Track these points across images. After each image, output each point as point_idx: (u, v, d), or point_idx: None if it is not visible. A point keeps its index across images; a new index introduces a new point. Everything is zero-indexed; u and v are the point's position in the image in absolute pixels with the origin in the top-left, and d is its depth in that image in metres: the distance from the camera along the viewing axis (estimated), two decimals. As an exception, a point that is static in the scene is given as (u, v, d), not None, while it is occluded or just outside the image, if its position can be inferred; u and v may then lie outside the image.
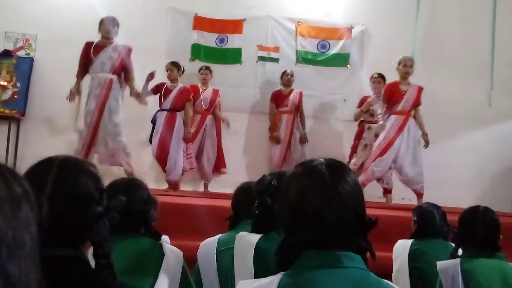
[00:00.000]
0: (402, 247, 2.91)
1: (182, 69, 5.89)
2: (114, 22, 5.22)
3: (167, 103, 5.70)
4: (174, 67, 5.76)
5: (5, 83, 6.27)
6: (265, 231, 1.90)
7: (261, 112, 6.80)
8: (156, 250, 1.93)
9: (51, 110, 6.34)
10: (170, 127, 5.63)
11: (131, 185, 2.05)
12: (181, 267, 1.97)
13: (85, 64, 5.15)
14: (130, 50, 5.27)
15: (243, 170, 6.22)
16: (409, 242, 2.91)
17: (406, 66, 5.55)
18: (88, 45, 5.15)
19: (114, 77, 5.14)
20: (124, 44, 5.25)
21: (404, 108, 5.54)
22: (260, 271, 1.76)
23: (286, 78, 6.37)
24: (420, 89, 5.60)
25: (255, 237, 1.88)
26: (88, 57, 5.11)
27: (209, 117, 6.13)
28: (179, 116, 5.73)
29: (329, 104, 6.79)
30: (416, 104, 5.57)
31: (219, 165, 6.22)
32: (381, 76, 6.05)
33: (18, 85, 6.32)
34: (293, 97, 6.30)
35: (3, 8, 6.46)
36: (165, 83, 5.80)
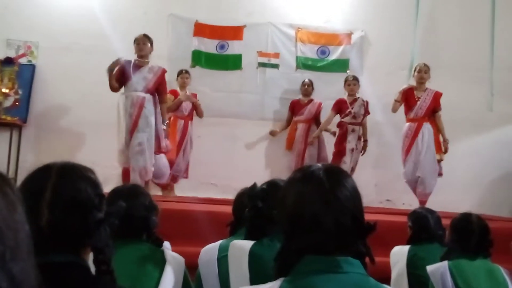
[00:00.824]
0: (400, 253, 2.93)
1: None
2: (146, 39, 5.21)
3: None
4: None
5: (7, 90, 6.26)
6: (258, 237, 1.92)
7: (261, 118, 6.83)
8: (158, 257, 1.93)
9: (53, 117, 6.37)
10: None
11: (133, 192, 2.06)
12: (182, 274, 1.98)
13: (120, 81, 5.14)
14: (165, 72, 5.32)
15: (243, 176, 6.21)
16: (406, 248, 2.93)
17: (420, 72, 5.58)
18: (126, 63, 5.13)
19: (147, 95, 5.15)
20: (159, 65, 5.29)
21: (417, 114, 5.55)
22: (255, 277, 1.79)
23: (304, 88, 6.43)
24: (437, 94, 5.60)
25: (249, 244, 1.90)
26: (125, 76, 5.11)
27: (190, 122, 6.17)
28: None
29: (329, 109, 6.78)
30: (432, 109, 5.58)
31: (185, 171, 6.25)
32: (356, 78, 6.09)
33: (20, 92, 6.30)
34: (311, 106, 6.35)
35: (5, 15, 6.49)
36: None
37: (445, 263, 2.44)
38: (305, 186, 1.20)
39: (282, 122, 6.56)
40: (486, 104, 6.86)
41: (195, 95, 6.27)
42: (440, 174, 5.69)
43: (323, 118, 6.35)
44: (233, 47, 6.93)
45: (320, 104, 6.39)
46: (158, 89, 5.24)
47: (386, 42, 6.90)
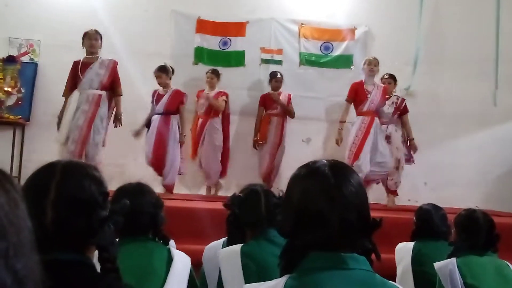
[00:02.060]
0: (404, 250, 2.94)
1: (172, 70, 5.82)
2: (97, 35, 5.18)
3: (160, 108, 5.68)
4: (162, 72, 5.70)
5: (10, 89, 6.29)
6: (238, 242, 2.04)
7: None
8: (164, 255, 1.94)
9: (55, 115, 6.36)
10: (165, 130, 5.60)
11: (139, 189, 2.07)
12: (188, 273, 1.98)
13: (74, 83, 5.16)
14: (116, 64, 5.26)
15: (247, 173, 6.20)
16: (410, 244, 2.94)
17: (370, 65, 5.64)
18: (76, 64, 5.17)
19: (103, 93, 5.15)
20: (109, 58, 5.25)
21: (369, 108, 5.58)
22: (248, 276, 1.85)
23: (275, 84, 6.30)
24: (384, 89, 5.68)
25: (237, 246, 2.00)
26: (77, 76, 5.12)
27: (210, 121, 6.08)
28: (174, 119, 5.70)
29: (333, 105, 6.77)
30: (381, 105, 5.64)
31: (224, 169, 6.24)
32: (391, 76, 6.03)
33: (23, 90, 6.33)
34: (282, 99, 6.25)
35: (6, 14, 6.49)
36: (157, 90, 5.80)
37: (454, 260, 2.43)
38: (310, 182, 1.19)
39: (252, 121, 6.40)
40: (491, 99, 6.83)
41: (226, 94, 6.17)
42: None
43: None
44: (236, 44, 6.91)
45: (290, 96, 6.30)
46: (112, 82, 5.19)
47: (390, 37, 6.87)
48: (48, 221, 1.13)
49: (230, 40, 6.91)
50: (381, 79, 6.04)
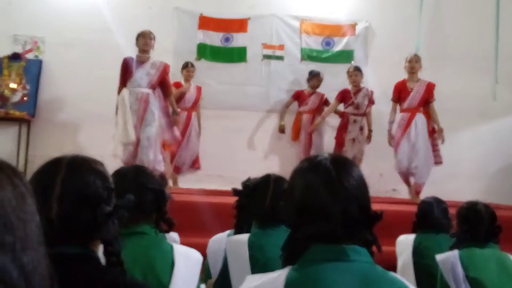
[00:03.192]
0: (405, 242, 2.95)
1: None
2: (152, 35, 5.23)
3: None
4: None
5: (15, 86, 6.31)
6: (244, 231, 2.00)
7: (267, 110, 6.85)
8: (168, 250, 1.73)
9: (60, 111, 6.42)
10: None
11: (139, 168, 1.92)
12: (199, 270, 1.75)
13: (125, 79, 5.18)
14: (168, 67, 5.34)
15: (249, 168, 6.24)
16: (411, 237, 2.95)
17: (411, 62, 5.57)
18: (127, 60, 5.18)
19: (152, 91, 5.20)
20: (161, 60, 5.30)
21: (410, 105, 5.55)
22: (255, 266, 1.83)
23: (316, 82, 6.41)
24: (429, 85, 5.59)
25: (245, 236, 1.95)
26: (128, 72, 5.15)
27: (194, 113, 6.20)
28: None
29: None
30: (425, 99, 5.56)
31: (196, 162, 6.29)
32: (358, 69, 6.09)
33: (28, 87, 6.35)
34: (315, 97, 6.37)
35: (11, 11, 6.51)
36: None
37: (456, 252, 2.44)
38: (312, 175, 1.21)
39: (282, 113, 6.57)
40: (491, 93, 6.85)
41: (199, 88, 6.29)
42: (439, 163, 5.67)
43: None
44: (238, 40, 6.93)
45: (323, 96, 6.41)
46: (162, 83, 5.27)
47: (390, 33, 6.88)
48: (53, 215, 1.14)
49: (232, 36, 6.93)
50: (347, 72, 6.08)
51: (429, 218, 2.95)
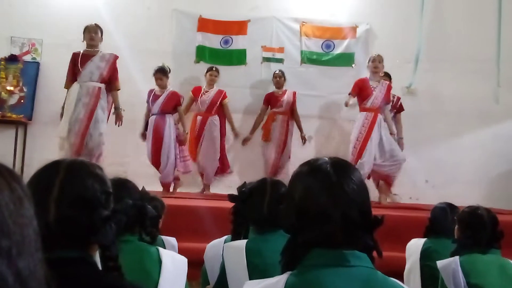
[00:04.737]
0: (415, 246, 2.96)
1: (169, 70, 5.84)
2: (98, 28, 5.29)
3: (156, 108, 5.71)
4: (163, 75, 5.73)
5: (12, 88, 6.30)
6: (241, 237, 2.01)
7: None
8: (155, 256, 1.78)
9: (58, 114, 6.36)
10: (160, 130, 5.65)
11: (121, 182, 1.87)
12: (185, 275, 1.83)
13: (73, 75, 5.27)
14: (117, 58, 5.36)
15: (249, 171, 6.21)
16: (421, 241, 2.96)
17: (374, 62, 5.66)
18: (75, 55, 5.27)
19: (102, 86, 5.26)
20: (110, 52, 5.34)
21: (373, 104, 5.62)
22: (253, 272, 1.81)
23: (275, 80, 6.34)
24: (389, 87, 5.72)
25: (242, 242, 1.95)
26: (76, 67, 5.23)
27: (210, 118, 6.07)
28: (169, 117, 5.73)
29: (334, 104, 6.77)
30: (386, 100, 5.68)
31: (223, 167, 6.23)
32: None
33: (25, 89, 6.34)
34: (287, 97, 6.28)
35: (9, 13, 6.50)
36: (153, 90, 5.81)
37: (457, 259, 2.41)
38: (312, 179, 1.20)
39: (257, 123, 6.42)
40: (493, 96, 6.82)
41: (220, 92, 6.15)
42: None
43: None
44: (237, 42, 6.92)
45: (295, 94, 6.33)
46: (111, 76, 5.30)
47: (391, 35, 6.87)
48: (51, 219, 1.13)
49: (232, 39, 6.91)
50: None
51: (442, 223, 2.96)
